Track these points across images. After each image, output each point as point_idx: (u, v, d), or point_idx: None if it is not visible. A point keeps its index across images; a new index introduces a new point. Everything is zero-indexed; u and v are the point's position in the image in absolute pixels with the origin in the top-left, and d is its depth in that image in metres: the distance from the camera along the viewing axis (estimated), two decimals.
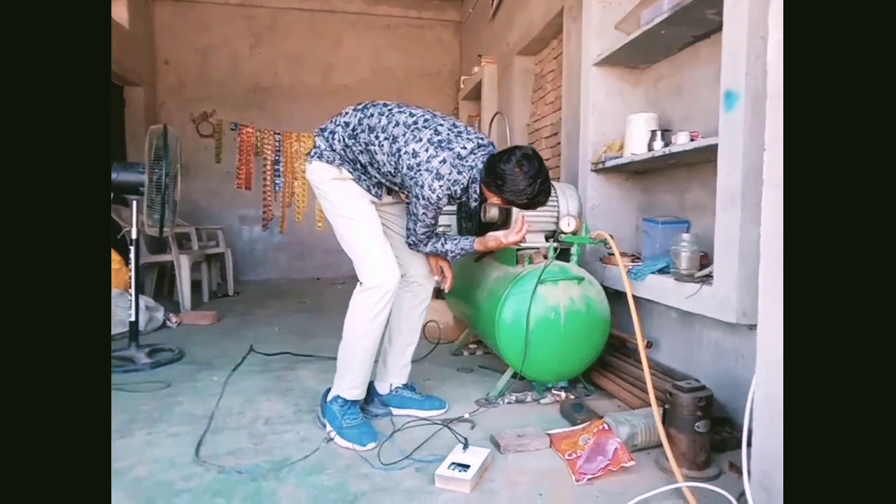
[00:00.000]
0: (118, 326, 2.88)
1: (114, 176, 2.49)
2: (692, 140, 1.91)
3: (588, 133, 2.58)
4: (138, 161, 2.60)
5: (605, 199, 2.59)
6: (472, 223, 2.33)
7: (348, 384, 1.70)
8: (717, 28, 1.90)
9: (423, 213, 1.65)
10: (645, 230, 2.29)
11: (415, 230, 1.72)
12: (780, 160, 0.97)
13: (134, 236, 2.55)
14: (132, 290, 2.52)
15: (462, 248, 1.80)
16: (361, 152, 1.68)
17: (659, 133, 2.09)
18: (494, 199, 1.67)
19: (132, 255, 2.53)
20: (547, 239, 2.19)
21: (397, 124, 1.63)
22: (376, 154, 1.66)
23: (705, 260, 1.93)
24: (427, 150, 1.58)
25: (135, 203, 2.56)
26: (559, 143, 3.40)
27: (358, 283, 1.71)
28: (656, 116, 2.25)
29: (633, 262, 2.25)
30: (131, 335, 2.51)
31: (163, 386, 2.15)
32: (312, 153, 1.74)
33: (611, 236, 1.88)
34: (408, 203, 1.78)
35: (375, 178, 1.73)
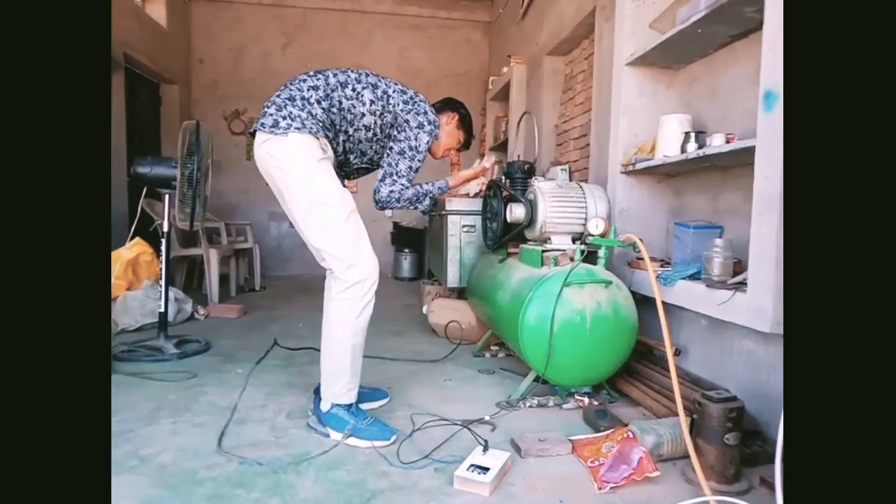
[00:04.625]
0: (148, 317, 2.96)
1: (147, 170, 2.55)
2: (728, 142, 1.85)
3: (619, 134, 2.53)
4: (171, 156, 2.66)
5: (634, 201, 2.53)
6: (498, 223, 2.31)
7: (344, 388, 1.62)
8: (756, 27, 1.84)
9: (426, 147, 1.71)
10: (676, 234, 2.22)
11: (408, 171, 1.70)
12: None
13: (165, 229, 2.61)
14: (162, 282, 2.57)
15: (440, 188, 1.85)
16: (336, 112, 1.64)
17: (693, 135, 2.03)
18: (452, 139, 1.92)
19: (163, 248, 2.59)
20: (574, 241, 2.15)
21: (368, 74, 1.71)
22: (354, 108, 1.65)
23: (738, 267, 1.86)
24: (407, 89, 1.75)
25: (167, 197, 2.62)
26: (588, 145, 3.35)
27: (334, 280, 1.60)
28: (690, 118, 2.19)
29: (662, 266, 2.20)
30: (160, 326, 2.58)
31: (189, 376, 2.20)
32: (283, 125, 1.54)
33: (640, 240, 1.83)
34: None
35: (345, 146, 1.70)
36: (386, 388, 2.04)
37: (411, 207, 1.79)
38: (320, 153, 1.59)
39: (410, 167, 1.68)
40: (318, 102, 1.61)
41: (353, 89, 1.65)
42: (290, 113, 1.56)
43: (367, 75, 1.71)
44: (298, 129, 1.55)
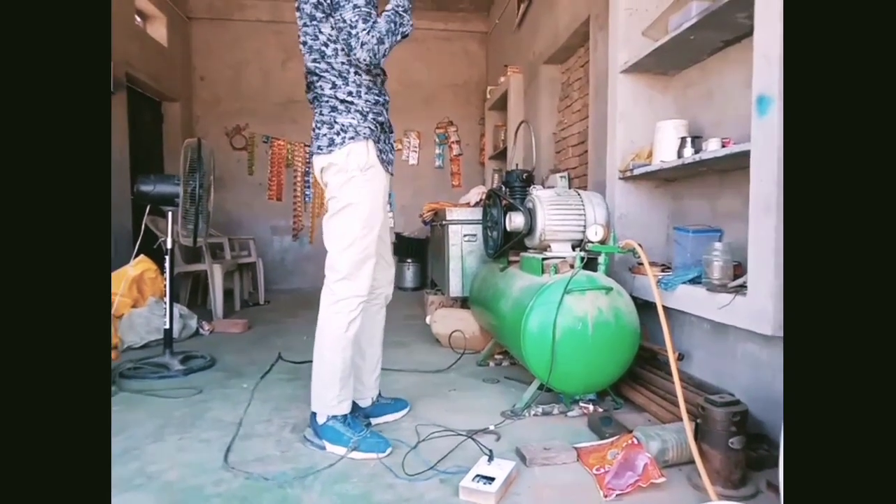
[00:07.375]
0: (153, 333, 2.98)
1: (150, 188, 2.59)
2: (723, 146, 1.86)
3: (616, 141, 2.54)
4: (174, 173, 2.69)
5: (633, 207, 2.54)
6: (498, 232, 2.33)
7: (335, 400, 1.64)
8: (748, 32, 1.85)
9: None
10: (675, 239, 2.23)
11: (356, 11, 1.48)
12: None
13: (169, 246, 2.64)
14: (167, 299, 2.59)
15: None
16: (363, 72, 1.59)
17: (689, 140, 2.05)
18: None
19: (167, 265, 2.62)
20: (573, 248, 2.16)
21: (308, 16, 1.58)
22: (345, 48, 1.54)
23: (738, 270, 1.87)
24: None
25: (170, 214, 2.65)
26: (586, 152, 3.37)
27: (325, 291, 1.65)
28: (686, 123, 2.21)
29: (663, 271, 2.20)
30: (166, 342, 2.59)
31: (195, 392, 2.21)
32: (338, 141, 1.55)
33: (639, 245, 1.84)
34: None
35: (377, 103, 1.62)
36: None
37: (398, 38, 1.55)
38: (366, 158, 1.58)
39: (356, 6, 1.48)
40: (349, 93, 1.57)
41: (325, 43, 1.56)
42: (343, 125, 1.57)
43: (310, 17, 1.57)
44: (352, 138, 1.57)
